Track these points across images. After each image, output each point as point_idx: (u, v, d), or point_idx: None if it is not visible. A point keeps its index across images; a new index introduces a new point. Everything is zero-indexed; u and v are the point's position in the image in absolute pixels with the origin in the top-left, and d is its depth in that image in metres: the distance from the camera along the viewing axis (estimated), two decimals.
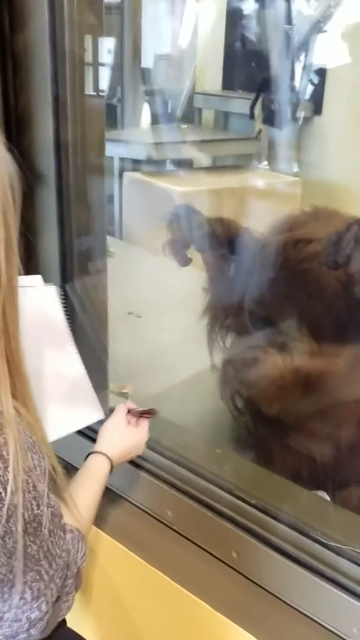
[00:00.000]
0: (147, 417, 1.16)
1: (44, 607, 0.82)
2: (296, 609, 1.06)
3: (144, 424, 1.16)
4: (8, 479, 0.74)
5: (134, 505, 1.28)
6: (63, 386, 1.16)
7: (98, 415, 1.19)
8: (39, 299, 1.14)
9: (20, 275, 0.81)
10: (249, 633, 1.03)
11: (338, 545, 1.03)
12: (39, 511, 0.79)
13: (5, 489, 0.74)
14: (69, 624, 1.04)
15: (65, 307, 1.16)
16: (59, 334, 1.16)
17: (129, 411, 1.16)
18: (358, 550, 1.01)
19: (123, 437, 1.12)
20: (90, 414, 1.19)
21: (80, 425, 1.18)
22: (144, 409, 1.17)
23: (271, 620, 1.05)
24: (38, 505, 0.79)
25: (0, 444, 0.74)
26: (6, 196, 0.75)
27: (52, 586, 0.84)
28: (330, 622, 1.02)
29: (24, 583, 0.79)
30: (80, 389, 1.18)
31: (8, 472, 0.74)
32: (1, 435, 0.75)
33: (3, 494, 0.74)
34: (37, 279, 1.16)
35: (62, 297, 1.16)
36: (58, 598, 0.86)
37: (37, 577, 0.81)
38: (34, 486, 0.78)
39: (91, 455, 1.08)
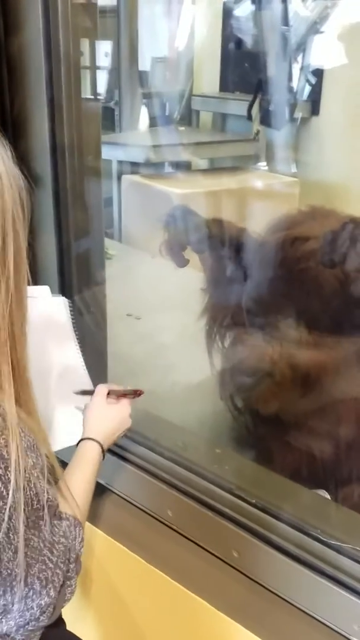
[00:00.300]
0: (128, 398, 1.15)
1: (52, 593, 0.86)
2: (297, 607, 1.06)
3: (124, 400, 1.15)
4: (10, 479, 0.77)
5: (134, 505, 1.28)
6: (69, 397, 1.17)
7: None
8: (47, 310, 1.15)
9: (28, 285, 0.85)
10: (250, 631, 1.03)
11: (338, 543, 1.03)
12: (38, 506, 0.83)
13: (7, 487, 0.77)
14: (69, 624, 1.04)
15: (73, 318, 1.17)
16: (66, 345, 1.16)
17: (109, 392, 1.15)
18: (358, 548, 1.01)
19: (107, 417, 1.12)
20: None
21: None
22: (124, 390, 1.16)
23: (272, 618, 1.05)
24: (39, 501, 0.83)
25: (1, 445, 0.77)
26: (17, 210, 0.80)
27: (58, 571, 0.87)
28: (330, 620, 1.02)
29: (32, 575, 0.83)
30: (86, 401, 1.19)
31: (9, 471, 0.78)
32: (2, 437, 0.78)
33: (5, 493, 0.77)
34: (44, 289, 1.17)
35: (71, 308, 1.17)
36: (62, 583, 0.89)
37: (43, 566, 0.86)
38: (34, 484, 0.82)
39: (81, 443, 1.08)
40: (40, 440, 0.87)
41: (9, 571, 0.81)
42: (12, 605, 0.84)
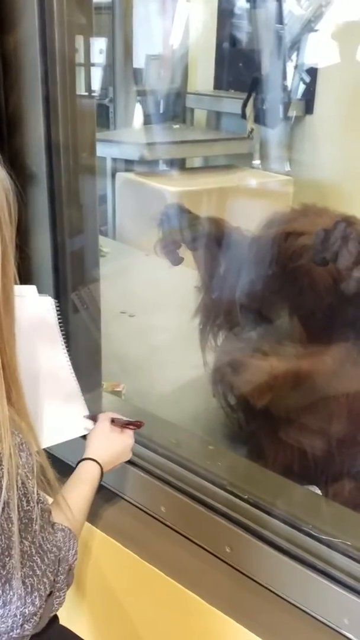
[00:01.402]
0: (130, 429, 1.17)
1: (37, 602, 0.84)
2: (288, 602, 1.07)
3: (129, 431, 1.17)
4: (2, 476, 0.77)
5: (128, 502, 1.29)
6: (54, 396, 1.18)
7: (80, 430, 1.21)
8: (34, 310, 1.15)
9: (15, 284, 0.85)
10: (242, 626, 1.04)
11: (329, 538, 1.04)
12: (28, 507, 0.82)
13: (0, 485, 0.77)
14: (62, 620, 1.05)
15: (59, 317, 1.17)
16: (52, 344, 1.17)
17: (113, 421, 1.17)
18: (349, 543, 1.03)
19: (110, 443, 1.14)
20: (79, 427, 1.20)
21: (69, 437, 1.19)
22: (127, 420, 1.18)
23: (264, 613, 1.06)
24: (28, 502, 0.82)
25: None
26: (3, 212, 0.80)
27: (45, 580, 0.86)
28: (321, 614, 1.03)
29: (17, 579, 0.81)
30: (70, 401, 1.19)
31: (2, 469, 0.78)
32: None
33: None
34: (31, 289, 1.17)
35: (57, 307, 1.17)
36: (50, 594, 0.88)
37: (30, 572, 0.84)
38: (23, 483, 0.81)
39: (81, 462, 1.09)
40: (30, 440, 0.86)
41: None
42: None
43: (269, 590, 1.09)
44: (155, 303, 2.08)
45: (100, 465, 1.09)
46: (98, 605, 1.28)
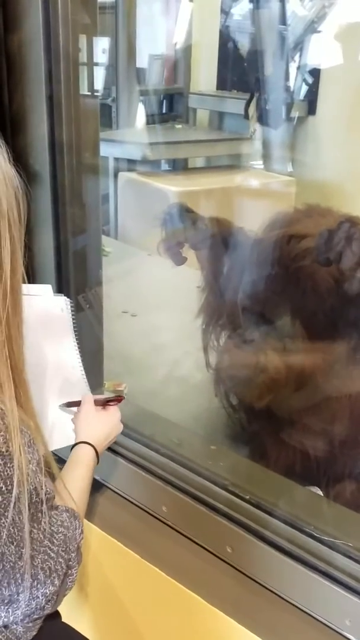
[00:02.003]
0: (113, 405, 1.16)
1: (56, 581, 0.89)
2: (290, 602, 1.07)
3: (113, 407, 1.17)
4: (13, 474, 0.79)
5: (129, 501, 1.29)
6: (65, 397, 1.18)
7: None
8: (48, 309, 1.15)
9: (24, 283, 0.85)
10: (243, 626, 1.04)
11: (331, 539, 1.04)
12: (37, 500, 0.85)
13: (11, 483, 0.79)
14: (64, 617, 1.05)
15: (73, 318, 1.17)
16: (65, 344, 1.17)
17: (95, 402, 1.16)
18: (350, 544, 1.03)
19: (98, 422, 1.13)
20: None
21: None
22: (107, 397, 1.17)
23: (265, 614, 1.06)
24: (37, 495, 0.85)
25: (3, 442, 0.79)
26: (12, 212, 0.80)
27: (61, 560, 0.90)
28: (323, 615, 1.03)
29: (35, 567, 0.85)
30: (72, 401, 1.19)
31: (12, 468, 0.79)
32: (7, 433, 0.79)
33: (7, 489, 0.79)
34: (46, 288, 1.17)
35: (72, 307, 1.17)
36: (65, 572, 0.91)
37: (46, 557, 0.88)
38: (32, 479, 0.83)
39: (74, 447, 1.09)
40: (37, 437, 0.88)
41: (11, 564, 0.83)
42: (18, 596, 0.86)
43: (270, 590, 1.09)
44: (157, 303, 2.08)
45: (93, 447, 1.09)
46: (99, 604, 1.28)
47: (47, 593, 0.88)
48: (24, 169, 1.12)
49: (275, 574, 1.09)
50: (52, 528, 0.90)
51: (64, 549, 0.91)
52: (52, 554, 0.89)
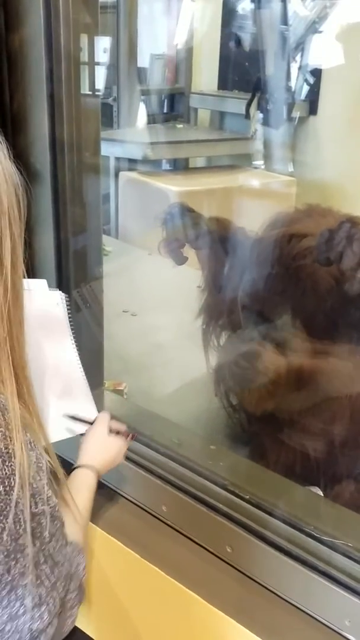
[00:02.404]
0: (122, 437, 1.15)
1: (46, 617, 0.79)
2: (289, 602, 1.07)
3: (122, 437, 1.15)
4: (13, 473, 0.75)
5: (129, 501, 1.29)
6: (62, 393, 1.17)
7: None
8: (44, 304, 1.15)
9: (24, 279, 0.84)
10: (243, 626, 1.04)
11: (331, 539, 1.04)
12: (36, 510, 0.78)
13: (9, 483, 0.74)
14: None
15: (69, 313, 1.17)
16: (62, 339, 1.17)
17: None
18: (350, 545, 1.03)
19: (106, 448, 1.12)
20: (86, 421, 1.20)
21: (79, 431, 1.19)
22: (122, 429, 1.16)
23: (265, 614, 1.06)
24: (36, 504, 0.78)
25: (3, 439, 0.75)
26: (13, 208, 0.79)
27: (55, 594, 0.80)
28: (322, 615, 1.03)
29: (23, 586, 0.76)
30: (78, 397, 1.19)
31: (12, 465, 0.75)
32: (7, 430, 0.76)
33: (8, 489, 0.74)
34: (41, 283, 1.17)
35: (67, 302, 1.17)
36: (61, 612, 0.83)
37: (38, 581, 0.78)
38: (31, 483, 0.77)
39: (77, 469, 1.07)
40: (40, 438, 0.84)
41: None
42: (4, 625, 0.76)
43: (270, 590, 1.09)
44: (157, 302, 2.08)
45: (96, 472, 1.07)
46: (99, 603, 1.28)
47: (33, 629, 0.76)
48: (25, 168, 1.11)
49: (275, 574, 1.09)
50: (57, 557, 0.81)
51: (63, 584, 0.82)
52: (47, 583, 0.78)
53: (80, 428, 1.16)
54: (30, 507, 0.76)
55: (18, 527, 0.75)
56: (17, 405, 0.79)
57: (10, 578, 0.75)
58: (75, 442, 1.18)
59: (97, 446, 1.11)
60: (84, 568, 0.91)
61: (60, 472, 0.89)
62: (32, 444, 0.81)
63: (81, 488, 1.04)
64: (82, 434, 1.17)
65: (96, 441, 1.12)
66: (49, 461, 0.83)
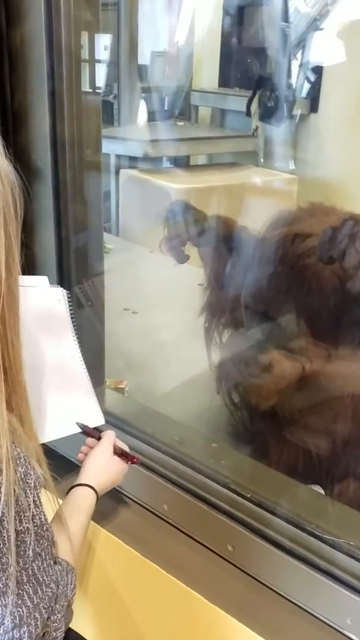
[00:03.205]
0: (125, 460, 1.14)
1: (25, 638, 0.76)
2: (291, 601, 1.07)
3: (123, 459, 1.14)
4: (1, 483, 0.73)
5: (131, 499, 1.29)
6: (64, 390, 1.17)
7: (98, 420, 1.20)
8: (45, 300, 1.14)
9: (23, 275, 0.82)
10: (244, 625, 1.04)
11: (333, 538, 1.04)
12: (21, 527, 0.75)
13: None
14: None
15: (71, 309, 1.16)
16: (63, 336, 1.16)
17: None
18: (353, 543, 1.02)
19: (108, 468, 1.10)
20: (89, 418, 1.19)
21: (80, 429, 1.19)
22: (126, 451, 1.15)
23: (266, 612, 1.06)
24: (21, 521, 0.75)
25: None
26: (8, 208, 0.77)
27: (37, 615, 0.78)
28: (324, 614, 1.03)
29: (3, 606, 0.74)
30: (81, 393, 1.19)
31: (1, 478, 0.73)
32: None
33: None
34: (43, 279, 1.16)
35: (69, 299, 1.16)
36: (45, 634, 0.80)
37: (19, 601, 0.76)
38: (17, 500, 0.75)
39: (78, 487, 1.05)
40: (31, 450, 0.80)
41: None
42: None
43: (272, 589, 1.09)
44: (158, 300, 2.08)
45: (96, 492, 1.05)
46: (100, 602, 1.28)
47: None
48: (26, 166, 1.11)
49: (277, 573, 1.08)
50: (42, 577, 0.78)
51: (46, 606, 0.79)
52: (29, 603, 0.76)
53: (89, 441, 1.15)
54: (15, 524, 0.74)
55: (1, 545, 0.73)
56: (5, 416, 0.76)
57: None
58: (76, 441, 1.18)
59: (101, 466, 1.09)
60: (73, 588, 0.88)
61: (51, 486, 0.86)
62: (21, 459, 0.77)
63: (81, 507, 1.02)
64: (81, 432, 1.16)
65: (100, 461, 1.09)
66: (42, 474, 0.81)
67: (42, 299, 1.14)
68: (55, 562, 0.85)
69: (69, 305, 1.17)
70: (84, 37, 1.20)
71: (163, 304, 2.03)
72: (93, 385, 1.21)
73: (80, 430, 1.16)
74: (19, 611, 0.76)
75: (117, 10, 3.17)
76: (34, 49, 1.16)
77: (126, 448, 1.15)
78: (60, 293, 1.16)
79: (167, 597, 1.15)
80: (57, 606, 0.83)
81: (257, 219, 1.43)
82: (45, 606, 0.79)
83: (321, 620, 1.03)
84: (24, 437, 0.80)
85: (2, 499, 0.72)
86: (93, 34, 1.24)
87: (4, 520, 0.72)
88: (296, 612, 1.05)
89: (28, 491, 0.76)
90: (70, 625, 1.05)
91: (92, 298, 1.38)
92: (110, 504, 1.27)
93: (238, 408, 1.48)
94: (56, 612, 0.82)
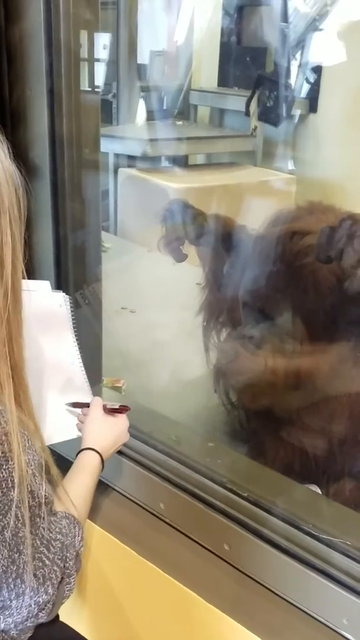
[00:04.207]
0: (119, 414, 1.15)
1: (50, 590, 0.87)
2: (287, 601, 1.07)
3: (123, 415, 1.16)
4: (10, 476, 0.78)
5: (127, 498, 1.29)
6: (64, 393, 1.17)
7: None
8: (47, 305, 1.15)
9: (27, 279, 0.85)
10: (240, 624, 1.04)
11: (329, 537, 1.04)
12: (34, 503, 0.83)
13: (7, 485, 0.78)
14: (62, 617, 1.04)
15: (72, 314, 1.17)
16: (64, 340, 1.16)
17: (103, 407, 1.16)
18: (349, 543, 1.02)
19: (106, 429, 1.12)
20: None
21: (76, 415, 1.19)
22: (114, 406, 1.16)
23: (262, 611, 1.06)
24: (34, 498, 0.83)
25: (2, 440, 0.78)
26: (13, 208, 0.79)
27: (56, 568, 0.88)
28: (320, 613, 1.03)
29: (28, 573, 0.83)
30: (79, 397, 1.19)
31: (10, 468, 0.78)
32: (5, 437, 0.78)
33: (5, 490, 0.78)
34: (45, 284, 1.17)
35: (71, 303, 1.17)
36: (61, 580, 0.90)
37: (40, 564, 0.86)
38: (30, 481, 0.82)
39: (81, 452, 1.09)
40: (35, 439, 0.87)
41: (4, 568, 0.81)
42: (10, 602, 0.84)
43: (268, 588, 1.09)
44: (156, 299, 2.08)
45: (99, 453, 1.08)
46: (96, 601, 1.28)
47: (39, 602, 0.86)
48: (24, 163, 1.11)
49: (273, 572, 1.08)
50: (50, 535, 0.88)
51: (60, 557, 0.89)
52: (47, 562, 0.87)
53: (77, 412, 1.17)
54: (28, 501, 0.81)
55: (18, 523, 0.80)
56: (14, 408, 0.81)
57: (15, 568, 0.82)
58: (75, 441, 1.18)
59: (97, 428, 1.12)
60: (80, 540, 0.95)
61: (55, 471, 0.92)
62: (29, 444, 0.84)
63: (82, 468, 1.06)
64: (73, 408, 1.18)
65: (94, 424, 1.12)
66: (43, 458, 0.87)
67: (44, 303, 1.15)
68: (57, 517, 0.92)
69: (71, 310, 1.17)
70: (83, 35, 1.20)
71: (161, 303, 2.03)
72: (91, 384, 1.21)
73: (77, 414, 1.17)
74: (41, 572, 0.86)
75: (116, 9, 3.17)
76: (33, 46, 1.15)
77: (116, 405, 1.16)
78: (62, 298, 1.16)
79: (163, 595, 1.14)
80: (68, 555, 0.91)
81: (255, 218, 1.43)
82: (59, 557, 0.89)
83: (317, 620, 1.03)
84: (31, 427, 0.86)
85: (17, 482, 0.78)
86: (92, 33, 1.23)
87: (19, 501, 0.79)
88: (292, 612, 1.05)
89: (37, 473, 0.84)
90: (66, 622, 1.06)
91: (90, 297, 1.38)
92: (106, 503, 1.27)
93: (235, 407, 1.47)
94: (67, 560, 0.91)
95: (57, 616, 1.03)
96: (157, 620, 1.19)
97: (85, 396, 1.19)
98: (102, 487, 1.30)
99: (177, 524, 1.21)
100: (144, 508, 1.26)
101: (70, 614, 1.10)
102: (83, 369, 1.19)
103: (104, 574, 1.24)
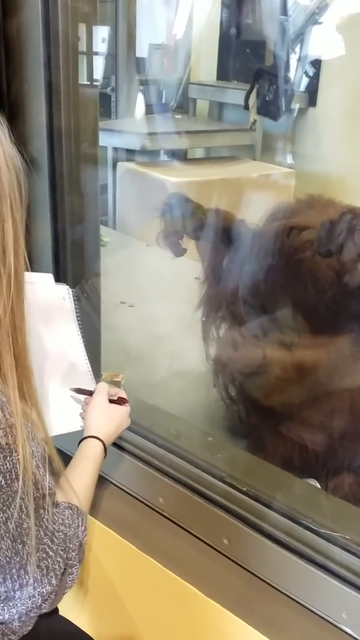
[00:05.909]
0: (122, 402, 1.15)
1: (54, 581, 0.87)
2: (286, 595, 1.07)
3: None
4: (14, 467, 0.78)
5: (126, 492, 1.29)
6: (68, 385, 1.17)
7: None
8: (50, 297, 1.14)
9: (27, 271, 0.83)
10: (240, 619, 1.04)
11: (328, 532, 1.04)
12: (38, 494, 0.83)
13: (10, 476, 0.78)
14: (62, 611, 1.04)
15: (76, 306, 1.16)
16: (68, 332, 1.16)
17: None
18: (348, 537, 1.02)
19: (109, 416, 1.12)
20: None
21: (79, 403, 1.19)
22: (113, 397, 1.16)
23: (262, 606, 1.06)
24: (37, 490, 0.83)
25: (7, 432, 0.78)
26: (14, 192, 0.78)
27: (59, 559, 0.89)
28: (320, 608, 1.03)
29: (32, 564, 0.84)
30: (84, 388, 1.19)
31: (13, 460, 0.78)
32: (7, 426, 0.78)
33: (9, 482, 0.78)
34: (48, 277, 1.16)
35: (75, 296, 1.16)
36: (64, 571, 0.90)
37: (44, 555, 0.86)
38: (33, 472, 0.82)
39: (83, 441, 1.09)
40: (39, 430, 0.87)
41: (7, 559, 0.82)
42: (14, 593, 0.85)
43: (267, 583, 1.09)
44: (155, 294, 2.07)
45: (102, 441, 1.08)
46: (96, 595, 1.28)
47: (43, 592, 0.86)
48: (22, 157, 1.10)
49: (272, 567, 1.08)
50: (54, 526, 0.88)
51: (63, 548, 0.89)
52: (51, 553, 0.87)
53: (80, 399, 1.16)
54: (32, 492, 0.81)
55: (22, 514, 0.80)
56: (18, 399, 0.80)
57: (19, 559, 0.82)
58: (76, 436, 1.18)
59: (100, 415, 1.11)
60: (84, 530, 0.95)
61: (58, 462, 0.92)
62: (33, 436, 0.84)
63: (84, 455, 1.06)
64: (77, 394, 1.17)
65: (98, 411, 1.12)
66: (46, 450, 0.87)
67: (47, 296, 1.14)
68: (60, 508, 0.93)
69: (75, 302, 1.17)
70: (82, 28, 1.19)
71: (160, 298, 2.02)
72: None
73: (81, 401, 1.17)
74: (44, 563, 0.86)
75: (115, 2, 3.15)
76: (31, 39, 1.15)
77: (122, 394, 1.16)
78: (65, 291, 1.16)
79: (163, 590, 1.15)
80: (71, 545, 0.91)
81: (254, 212, 1.42)
82: (62, 548, 0.89)
83: (317, 614, 1.04)
84: (34, 418, 0.86)
85: (21, 473, 0.78)
86: (91, 26, 1.22)
87: (22, 492, 0.79)
88: (292, 606, 1.05)
89: (40, 463, 0.84)
90: (66, 616, 1.06)
91: (89, 291, 1.37)
92: (106, 497, 1.27)
93: (234, 402, 1.47)
94: (70, 550, 0.91)
95: (57, 609, 1.04)
96: (157, 614, 1.19)
97: (89, 387, 1.19)
98: (101, 482, 1.30)
99: (177, 518, 1.21)
100: (143, 502, 1.26)
101: (70, 609, 1.10)
102: (87, 361, 1.19)
103: (103, 568, 1.24)
